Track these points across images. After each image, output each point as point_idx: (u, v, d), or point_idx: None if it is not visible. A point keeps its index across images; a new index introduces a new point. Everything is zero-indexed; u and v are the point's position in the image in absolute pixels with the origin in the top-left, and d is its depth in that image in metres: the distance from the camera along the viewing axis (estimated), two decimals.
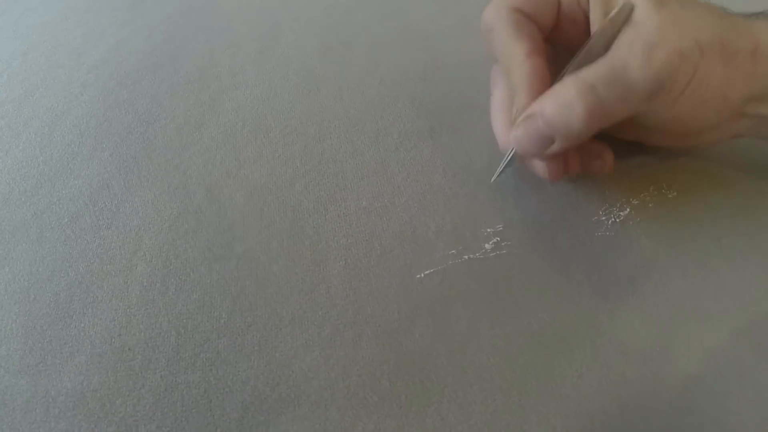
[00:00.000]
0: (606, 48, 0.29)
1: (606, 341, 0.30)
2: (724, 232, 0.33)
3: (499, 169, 0.34)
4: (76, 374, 0.30)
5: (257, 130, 0.40)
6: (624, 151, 0.36)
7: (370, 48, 0.45)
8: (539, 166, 0.33)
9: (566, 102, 0.28)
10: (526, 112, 0.30)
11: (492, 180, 0.34)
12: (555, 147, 0.30)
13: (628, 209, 0.34)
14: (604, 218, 0.34)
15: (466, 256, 0.33)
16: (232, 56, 0.45)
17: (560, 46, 0.34)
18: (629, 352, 0.30)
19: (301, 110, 0.41)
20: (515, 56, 0.31)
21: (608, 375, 0.29)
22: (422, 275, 0.33)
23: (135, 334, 0.31)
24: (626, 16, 0.28)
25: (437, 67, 0.43)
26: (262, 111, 0.41)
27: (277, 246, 0.34)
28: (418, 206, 0.35)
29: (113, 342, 0.31)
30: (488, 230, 0.34)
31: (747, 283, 0.32)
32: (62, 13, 0.49)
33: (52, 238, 0.35)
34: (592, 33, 0.31)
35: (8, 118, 0.41)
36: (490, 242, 0.34)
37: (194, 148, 0.39)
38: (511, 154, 0.33)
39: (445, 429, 0.28)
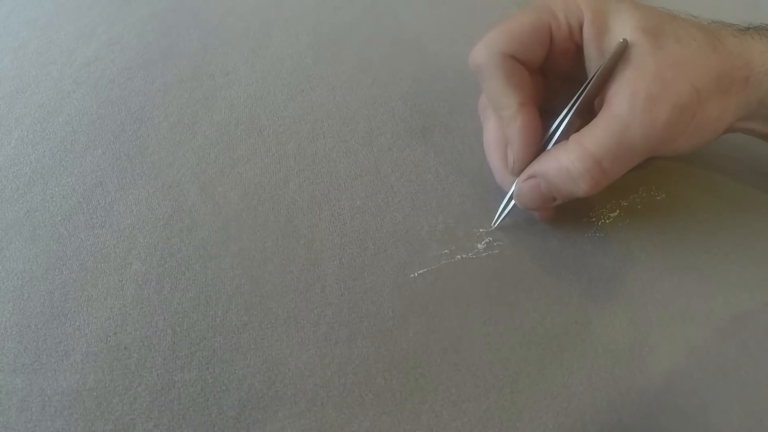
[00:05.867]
0: (602, 83, 0.29)
1: (595, 340, 0.31)
2: (712, 233, 0.34)
3: (500, 215, 0.34)
4: (71, 373, 0.30)
5: (250, 129, 0.40)
6: None
7: (363, 47, 0.45)
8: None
9: (571, 174, 0.28)
10: (528, 171, 0.31)
11: (493, 225, 0.35)
12: (556, 203, 0.31)
13: (617, 211, 0.35)
14: (594, 219, 0.35)
15: (458, 256, 0.34)
16: (224, 55, 0.45)
17: (552, 73, 0.34)
18: (618, 351, 0.30)
19: (294, 109, 0.41)
20: (508, 108, 0.31)
21: (597, 372, 0.30)
22: (416, 274, 0.33)
23: (130, 333, 0.31)
24: (622, 52, 0.28)
25: (429, 67, 0.44)
26: (255, 109, 0.41)
27: (271, 245, 0.34)
28: (411, 206, 0.36)
29: (109, 340, 0.31)
30: (481, 230, 0.35)
31: (733, 284, 0.32)
32: (53, 10, 0.48)
33: (46, 236, 0.35)
34: (587, 69, 0.31)
35: (0, 116, 0.41)
36: (483, 242, 0.34)
37: (188, 146, 0.39)
38: (510, 204, 0.33)
39: (440, 426, 0.28)
